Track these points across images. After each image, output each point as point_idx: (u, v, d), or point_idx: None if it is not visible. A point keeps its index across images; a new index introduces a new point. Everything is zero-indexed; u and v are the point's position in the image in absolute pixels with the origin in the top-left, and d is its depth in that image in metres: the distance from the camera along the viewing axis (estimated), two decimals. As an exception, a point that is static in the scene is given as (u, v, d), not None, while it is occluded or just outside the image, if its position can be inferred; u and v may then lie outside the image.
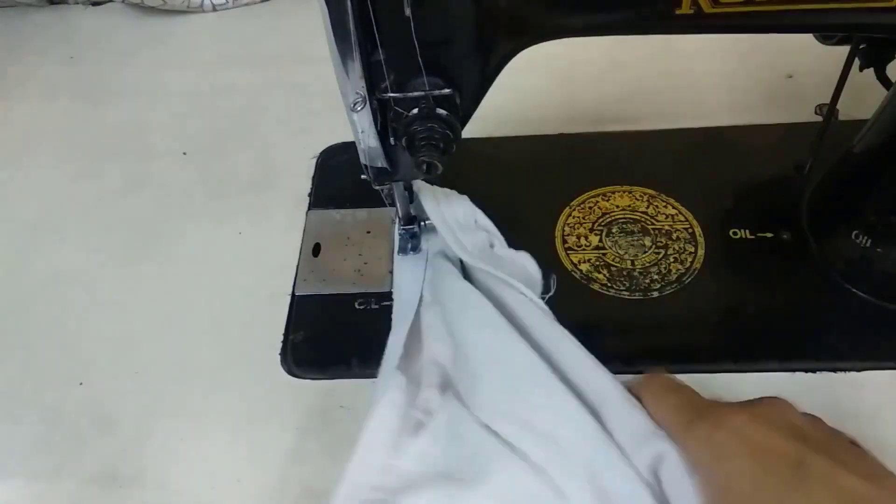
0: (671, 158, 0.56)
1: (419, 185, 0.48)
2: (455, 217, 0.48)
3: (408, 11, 0.31)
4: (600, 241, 0.50)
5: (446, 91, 0.35)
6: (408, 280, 0.48)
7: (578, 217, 0.52)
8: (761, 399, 0.33)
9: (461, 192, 0.51)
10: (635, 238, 0.50)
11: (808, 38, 0.44)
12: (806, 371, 0.43)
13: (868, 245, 0.46)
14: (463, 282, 0.46)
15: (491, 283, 0.44)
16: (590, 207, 0.52)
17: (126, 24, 0.76)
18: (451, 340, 0.41)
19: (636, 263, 0.49)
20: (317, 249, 0.52)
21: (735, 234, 0.50)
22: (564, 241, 0.50)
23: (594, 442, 0.34)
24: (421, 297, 0.46)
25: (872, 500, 0.27)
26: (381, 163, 0.39)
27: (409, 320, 0.45)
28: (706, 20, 0.35)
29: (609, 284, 0.48)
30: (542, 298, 0.43)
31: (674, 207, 0.52)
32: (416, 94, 0.35)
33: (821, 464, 0.28)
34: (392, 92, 0.35)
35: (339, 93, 0.36)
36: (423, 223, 0.49)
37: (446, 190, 0.50)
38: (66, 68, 0.72)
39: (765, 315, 0.46)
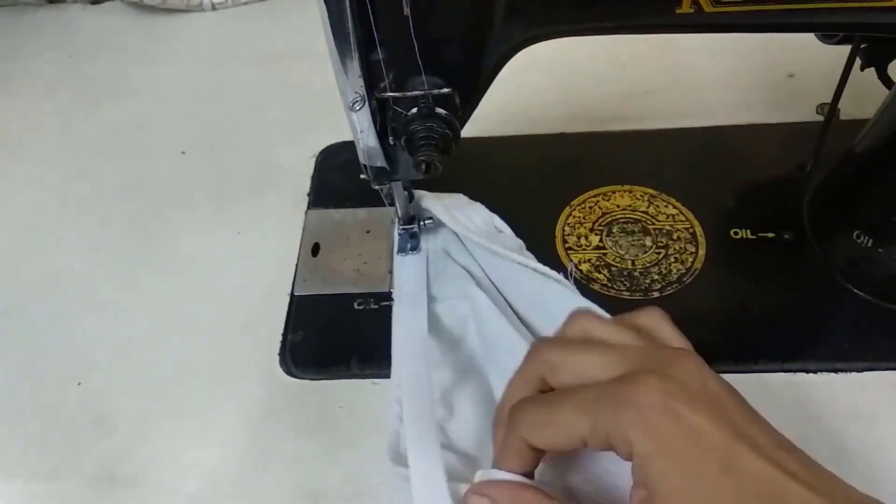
0: (672, 158, 0.56)
1: (420, 195, 0.48)
2: (475, 223, 0.48)
3: (407, 10, 0.31)
4: (601, 241, 0.50)
5: (446, 90, 0.35)
6: (409, 280, 0.48)
7: (579, 217, 0.52)
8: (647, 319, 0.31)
9: (460, 191, 0.51)
10: (636, 238, 0.50)
11: (809, 38, 0.44)
12: (807, 372, 0.43)
13: (870, 245, 0.45)
14: (471, 283, 0.46)
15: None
16: (590, 207, 0.52)
17: (125, 22, 0.76)
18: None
19: (637, 263, 0.49)
20: (316, 249, 0.52)
21: (736, 234, 0.50)
22: (565, 241, 0.50)
23: None
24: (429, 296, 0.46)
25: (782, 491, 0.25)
26: (380, 162, 0.39)
27: (410, 321, 0.45)
28: (707, 19, 0.35)
29: (609, 284, 0.48)
30: None
31: (674, 207, 0.52)
32: (415, 93, 0.35)
33: (747, 459, 0.25)
34: (391, 91, 0.35)
35: (339, 92, 0.35)
36: (422, 223, 0.49)
37: (457, 195, 0.49)
38: (65, 67, 0.72)
39: (765, 315, 0.46)
